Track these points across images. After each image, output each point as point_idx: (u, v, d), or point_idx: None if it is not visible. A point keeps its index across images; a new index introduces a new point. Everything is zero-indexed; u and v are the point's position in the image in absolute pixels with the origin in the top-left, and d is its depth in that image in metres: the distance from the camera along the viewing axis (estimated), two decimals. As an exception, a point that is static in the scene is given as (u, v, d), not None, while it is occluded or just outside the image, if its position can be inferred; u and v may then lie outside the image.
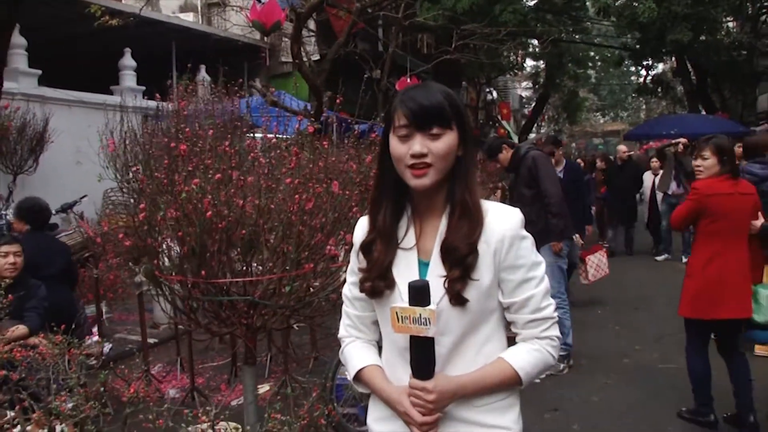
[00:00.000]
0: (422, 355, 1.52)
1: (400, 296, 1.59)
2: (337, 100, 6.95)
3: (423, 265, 1.62)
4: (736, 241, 4.06)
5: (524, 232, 1.62)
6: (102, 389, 2.35)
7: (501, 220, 1.59)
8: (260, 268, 2.46)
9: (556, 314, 1.65)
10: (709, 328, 4.22)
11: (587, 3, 18.93)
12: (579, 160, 13.76)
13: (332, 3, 8.85)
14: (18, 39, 9.60)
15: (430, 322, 1.46)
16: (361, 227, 1.73)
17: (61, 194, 9.49)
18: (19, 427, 2.40)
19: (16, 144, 8.59)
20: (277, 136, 5.68)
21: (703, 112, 18.89)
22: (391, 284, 1.62)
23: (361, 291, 1.67)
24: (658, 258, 11.21)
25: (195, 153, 2.51)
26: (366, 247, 1.67)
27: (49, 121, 9.02)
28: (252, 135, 6.68)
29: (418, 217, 1.66)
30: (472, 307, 1.57)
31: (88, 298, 5.90)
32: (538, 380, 1.74)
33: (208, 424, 2.43)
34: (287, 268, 2.33)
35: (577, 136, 38.90)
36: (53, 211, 9.34)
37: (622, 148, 12.65)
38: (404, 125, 1.55)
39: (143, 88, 11.78)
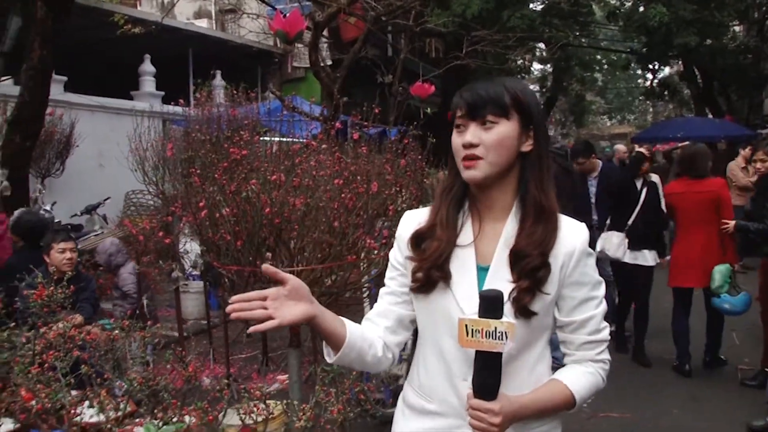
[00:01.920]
0: (489, 373, 1.39)
1: (457, 304, 1.50)
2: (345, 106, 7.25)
3: (481, 270, 1.53)
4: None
5: (590, 249, 1.56)
6: (167, 365, 2.63)
7: (571, 233, 1.52)
8: (306, 258, 2.74)
9: (609, 338, 1.60)
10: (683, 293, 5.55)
11: (594, 7, 19.19)
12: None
13: (348, 11, 9.14)
14: (44, 47, 9.93)
15: (506, 337, 1.34)
16: (409, 220, 1.66)
17: (84, 196, 9.82)
18: (87, 403, 2.66)
19: (45, 148, 8.90)
20: (294, 140, 5.96)
21: (710, 116, 19.09)
22: (447, 277, 1.52)
23: (413, 282, 1.56)
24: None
25: (249, 157, 2.78)
26: (419, 237, 1.58)
27: (75, 126, 9.32)
28: (268, 138, 6.99)
29: (477, 216, 1.57)
30: (535, 322, 1.49)
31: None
32: (584, 406, 1.61)
33: (260, 399, 2.72)
34: (331, 259, 2.62)
35: (584, 139, 39.11)
36: (78, 213, 9.69)
37: (620, 147, 11.59)
38: (460, 116, 1.51)
39: (162, 93, 12.09)
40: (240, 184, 2.53)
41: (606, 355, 1.58)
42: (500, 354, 1.37)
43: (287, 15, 7.03)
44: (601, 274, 4.87)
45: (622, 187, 5.96)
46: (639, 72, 31.47)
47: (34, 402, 2.26)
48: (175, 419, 2.43)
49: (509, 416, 1.41)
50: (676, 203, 5.55)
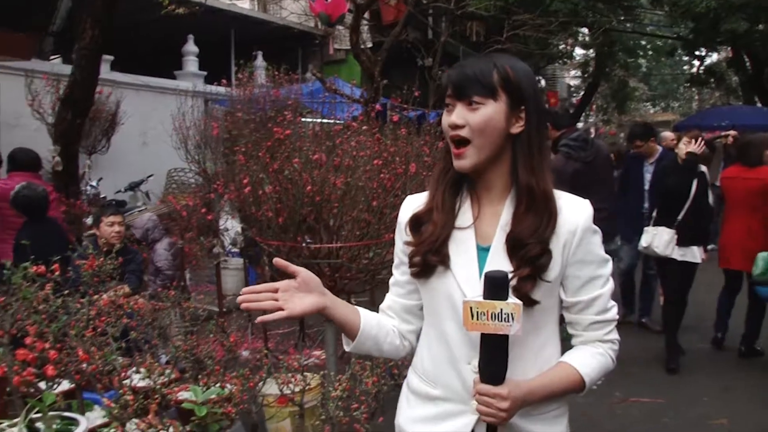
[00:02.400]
0: (496, 357, 1.37)
1: (458, 286, 1.47)
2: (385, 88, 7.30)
3: (482, 251, 1.49)
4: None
5: (595, 226, 1.50)
6: (211, 334, 2.76)
7: (572, 211, 1.47)
8: (345, 236, 2.83)
9: (618, 317, 1.56)
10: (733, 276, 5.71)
11: (640, -9, 18.80)
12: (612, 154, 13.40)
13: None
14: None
15: (512, 318, 1.31)
16: (409, 205, 1.63)
17: (128, 173, 10.09)
18: (134, 368, 2.79)
19: (91, 126, 9.14)
20: (335, 121, 6.04)
21: (759, 104, 18.62)
22: (446, 260, 1.48)
23: (411, 267, 1.53)
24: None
25: (291, 137, 2.88)
26: (417, 220, 1.55)
27: (120, 105, 9.55)
28: (309, 120, 7.09)
29: (476, 197, 1.53)
30: (538, 307, 1.45)
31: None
32: (594, 387, 1.55)
33: (298, 370, 2.83)
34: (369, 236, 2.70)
35: (626, 126, 38.43)
36: (122, 189, 9.97)
37: (668, 135, 11.30)
38: (448, 95, 1.45)
39: (205, 73, 12.28)
40: (283, 162, 2.62)
41: (615, 335, 1.54)
42: (506, 337, 1.34)
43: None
44: (645, 271, 4.56)
45: (675, 187, 5.52)
46: (685, 58, 30.75)
47: (86, 364, 2.39)
48: (217, 385, 2.55)
49: (517, 401, 1.38)
50: (727, 188, 5.72)
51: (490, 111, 1.42)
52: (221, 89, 9.68)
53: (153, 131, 10.63)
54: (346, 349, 1.60)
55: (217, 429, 2.02)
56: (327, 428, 2.41)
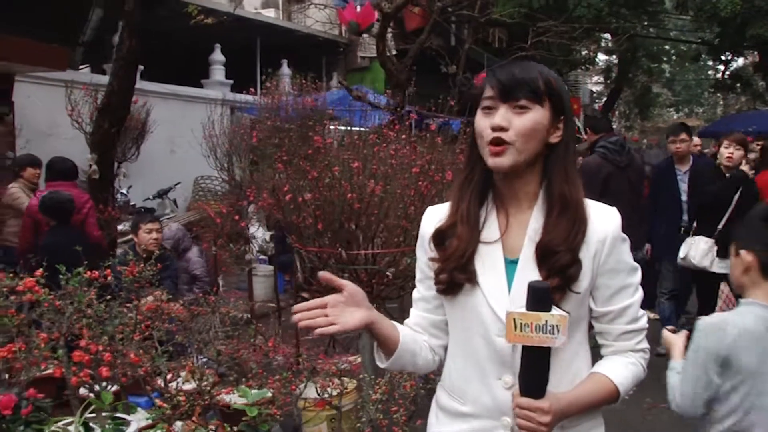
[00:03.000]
0: (538, 370, 1.34)
1: (486, 301, 1.45)
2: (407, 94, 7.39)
3: (510, 263, 1.47)
4: None
5: (624, 234, 1.48)
6: (252, 339, 2.83)
7: (602, 220, 1.46)
8: (383, 242, 2.89)
9: (647, 326, 1.54)
10: None
11: (664, -3, 18.75)
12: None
13: (415, 2, 9.25)
14: (123, 37, 10.36)
15: (558, 330, 1.28)
16: (430, 217, 1.59)
17: (156, 181, 10.25)
18: (176, 372, 2.85)
19: (122, 134, 9.29)
20: (362, 129, 6.11)
21: (785, 109, 18.45)
22: (472, 278, 1.46)
23: (436, 284, 1.52)
24: None
25: (329, 145, 2.95)
26: (440, 235, 1.52)
27: (149, 113, 9.71)
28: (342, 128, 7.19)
29: (502, 207, 1.51)
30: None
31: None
32: (626, 397, 1.52)
33: (336, 374, 2.89)
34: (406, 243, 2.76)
35: (649, 132, 38.15)
36: (150, 197, 10.12)
37: (695, 139, 10.99)
38: (489, 96, 1.42)
39: (231, 81, 12.44)
40: (323, 170, 2.69)
41: (645, 344, 1.52)
42: (549, 349, 1.31)
43: (358, 6, 7.23)
44: (681, 284, 4.31)
45: (715, 195, 5.16)
46: (709, 63, 30.51)
47: (132, 367, 2.46)
48: (260, 388, 2.61)
49: (557, 415, 1.36)
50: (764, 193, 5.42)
51: (538, 116, 1.40)
52: (249, 97, 9.81)
53: (180, 139, 10.79)
54: (382, 365, 1.56)
55: (266, 429, 2.08)
56: (368, 430, 2.46)
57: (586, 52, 23.81)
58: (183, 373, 2.86)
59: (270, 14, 15.31)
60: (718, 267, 4.96)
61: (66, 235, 4.49)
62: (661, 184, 5.77)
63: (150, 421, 2.49)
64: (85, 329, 2.22)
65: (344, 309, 1.39)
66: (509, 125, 1.39)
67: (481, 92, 1.45)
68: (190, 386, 2.67)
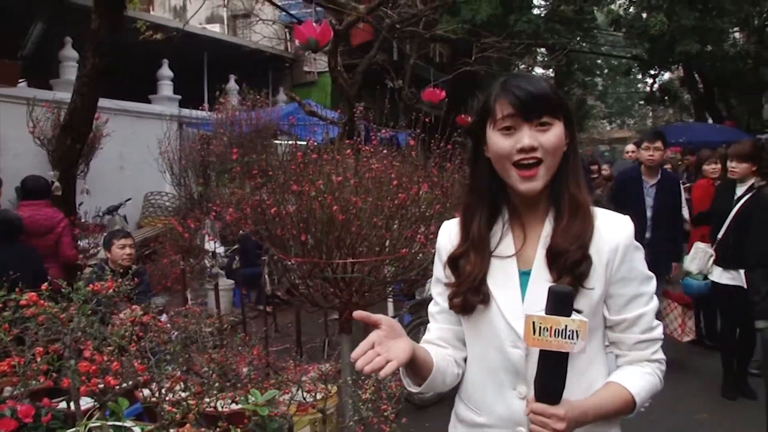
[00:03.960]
0: (555, 375, 1.32)
1: (500, 313, 1.45)
2: (361, 109, 7.59)
3: (523, 275, 1.47)
4: None
5: (637, 243, 1.48)
6: (239, 348, 2.94)
7: (614, 228, 1.45)
8: (365, 251, 3.05)
9: (663, 336, 1.52)
10: None
11: (597, 14, 19.58)
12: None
13: (367, 20, 9.45)
14: (70, 52, 10.26)
15: (577, 336, 1.26)
16: (446, 233, 1.60)
17: (106, 197, 10.12)
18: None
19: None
20: (304, 142, 6.23)
21: (710, 121, 19.45)
22: (486, 299, 1.46)
23: (451, 308, 1.52)
24: None
25: (312, 160, 3.09)
26: (455, 260, 1.53)
27: (99, 129, 9.61)
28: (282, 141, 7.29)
29: (519, 223, 1.51)
30: None
31: (156, 290, 6.48)
32: (642, 409, 1.48)
33: (321, 379, 3.03)
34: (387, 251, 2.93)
35: (584, 143, 39.48)
36: (100, 213, 9.99)
37: (629, 147, 10.15)
38: (509, 115, 1.39)
39: (179, 97, 12.39)
40: (308, 185, 2.84)
41: (661, 355, 1.50)
42: (567, 355, 1.29)
43: (304, 21, 7.36)
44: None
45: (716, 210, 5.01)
46: (639, 77, 31.87)
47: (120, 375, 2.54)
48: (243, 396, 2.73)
49: (572, 422, 1.33)
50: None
51: (559, 131, 1.41)
52: (201, 113, 9.81)
53: (130, 155, 10.70)
54: (415, 390, 1.53)
55: (275, 427, 2.20)
56: (359, 428, 2.60)
57: (524, 66, 24.60)
58: (167, 384, 2.94)
59: (215, 29, 15.31)
60: (727, 278, 4.76)
61: (12, 254, 4.41)
62: (626, 195, 5.23)
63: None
64: (89, 341, 2.30)
65: (389, 343, 1.36)
66: (537, 144, 1.38)
67: (486, 108, 1.44)
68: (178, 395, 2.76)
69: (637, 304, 1.47)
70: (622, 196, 5.21)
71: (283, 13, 12.96)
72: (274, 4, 11.52)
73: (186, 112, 11.50)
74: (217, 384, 3.01)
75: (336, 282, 3.08)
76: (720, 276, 4.82)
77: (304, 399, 3.02)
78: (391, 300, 5.72)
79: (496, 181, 1.47)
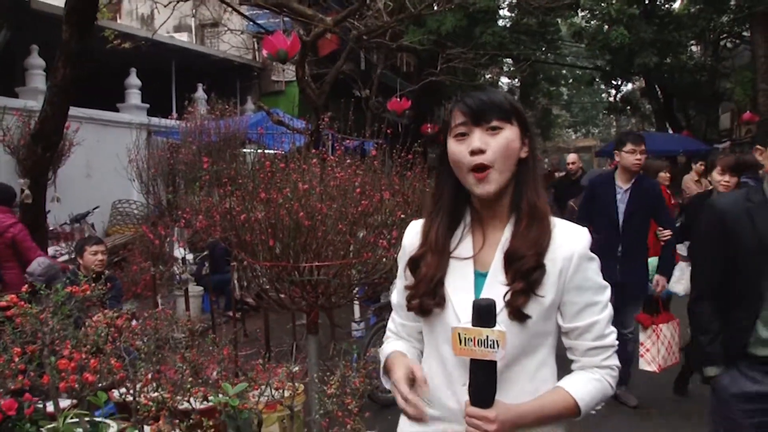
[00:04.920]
0: (484, 381, 1.40)
1: (454, 312, 1.50)
2: (326, 120, 7.79)
3: (479, 276, 1.52)
4: None
5: (592, 253, 1.52)
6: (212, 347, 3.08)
7: (569, 237, 1.50)
8: (330, 255, 3.21)
9: (616, 343, 1.56)
10: None
11: (561, 26, 20.07)
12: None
13: (334, 31, 9.62)
14: (36, 60, 10.24)
15: (497, 345, 1.34)
16: (412, 233, 1.65)
17: (73, 205, 10.11)
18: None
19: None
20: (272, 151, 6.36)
21: (670, 131, 20.03)
22: (441, 302, 1.52)
23: (409, 310, 1.58)
24: None
25: (279, 169, 3.25)
26: (414, 263, 1.58)
27: (67, 137, 9.60)
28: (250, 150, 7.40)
29: (480, 227, 1.56)
30: (531, 327, 1.47)
31: (127, 297, 6.55)
32: (592, 412, 1.56)
33: (288, 378, 3.18)
34: (351, 255, 3.10)
35: (550, 151, 40.17)
36: (67, 221, 9.98)
37: (571, 156, 9.55)
38: (461, 122, 1.47)
39: (147, 105, 12.41)
40: (275, 193, 3.00)
41: (613, 361, 1.54)
42: (494, 362, 1.36)
43: (273, 32, 7.50)
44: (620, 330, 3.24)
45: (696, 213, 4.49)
46: (603, 87, 32.60)
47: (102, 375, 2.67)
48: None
49: (506, 424, 1.40)
50: None
51: (510, 134, 1.47)
52: (169, 122, 9.87)
53: (97, 163, 10.71)
54: (388, 386, 1.63)
55: (246, 417, 2.35)
56: (325, 422, 2.76)
57: (489, 76, 25.03)
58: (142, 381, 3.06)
59: (183, 38, 15.36)
60: None
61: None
62: (597, 202, 4.79)
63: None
64: (68, 341, 2.42)
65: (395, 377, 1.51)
66: (487, 147, 1.44)
67: (447, 123, 1.52)
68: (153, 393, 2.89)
69: (591, 312, 1.51)
70: (593, 204, 4.79)
71: (251, 23, 13.09)
72: (241, 14, 11.64)
73: (155, 120, 11.54)
74: (190, 380, 3.15)
75: (303, 285, 3.24)
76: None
77: (273, 396, 3.17)
78: (357, 303, 5.91)
79: (459, 188, 1.53)
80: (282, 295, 3.37)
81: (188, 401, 2.71)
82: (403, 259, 1.65)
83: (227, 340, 3.46)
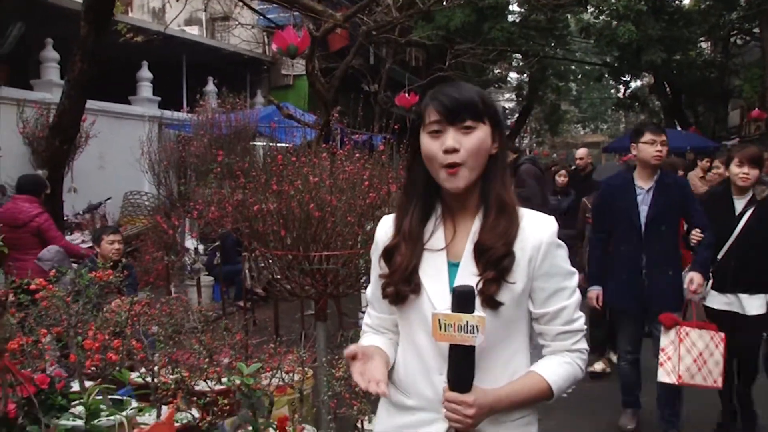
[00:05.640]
0: (463, 366, 1.45)
1: (429, 300, 1.55)
2: (336, 115, 7.93)
3: (452, 266, 1.57)
4: None
5: (559, 241, 1.58)
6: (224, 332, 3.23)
7: (537, 227, 1.56)
8: (339, 245, 3.36)
9: (585, 327, 1.62)
10: None
11: (570, 21, 20.10)
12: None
13: (344, 26, 9.73)
14: (51, 53, 10.40)
15: (477, 330, 1.39)
16: (385, 227, 1.69)
17: (87, 196, 10.29)
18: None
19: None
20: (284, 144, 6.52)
21: (678, 128, 20.05)
22: (416, 288, 1.56)
23: (384, 297, 1.62)
24: None
25: (291, 162, 3.40)
26: (389, 253, 1.62)
27: (87, 131, 9.75)
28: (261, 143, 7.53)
29: (450, 218, 1.61)
30: (504, 313, 1.52)
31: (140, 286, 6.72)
32: (564, 395, 1.63)
33: (298, 362, 3.33)
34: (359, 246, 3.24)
35: (558, 147, 40.17)
36: (80, 212, 10.15)
37: (580, 151, 9.38)
38: (436, 120, 1.51)
39: (159, 98, 12.56)
40: (287, 185, 3.14)
41: (582, 345, 1.61)
42: (473, 347, 1.41)
43: (284, 27, 7.61)
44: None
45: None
46: (612, 83, 32.54)
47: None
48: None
49: (484, 408, 1.46)
50: None
51: (482, 134, 1.52)
52: (181, 115, 10.00)
53: (110, 155, 10.87)
54: None
55: (259, 395, 2.50)
56: (333, 402, 2.91)
57: (498, 71, 25.07)
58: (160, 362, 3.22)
59: (194, 32, 15.50)
60: (720, 303, 3.95)
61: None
62: (614, 208, 4.14)
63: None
64: (91, 323, 2.58)
65: (367, 367, 1.54)
66: (460, 146, 1.49)
67: (420, 115, 1.57)
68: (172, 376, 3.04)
69: (559, 297, 1.57)
70: (610, 210, 4.16)
71: (262, 17, 13.22)
72: (252, 8, 11.78)
73: (167, 113, 11.69)
74: (207, 360, 3.31)
75: (312, 273, 3.39)
76: (713, 300, 3.98)
77: (283, 380, 3.32)
78: (363, 292, 6.06)
79: (430, 180, 1.57)
80: (293, 284, 3.51)
81: (205, 381, 2.86)
82: (376, 252, 1.69)
83: (239, 327, 3.61)
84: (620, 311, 4.29)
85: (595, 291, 4.16)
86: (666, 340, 3.82)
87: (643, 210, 4.00)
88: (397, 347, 1.70)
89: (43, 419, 2.03)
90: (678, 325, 3.78)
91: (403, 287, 1.56)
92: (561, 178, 7.28)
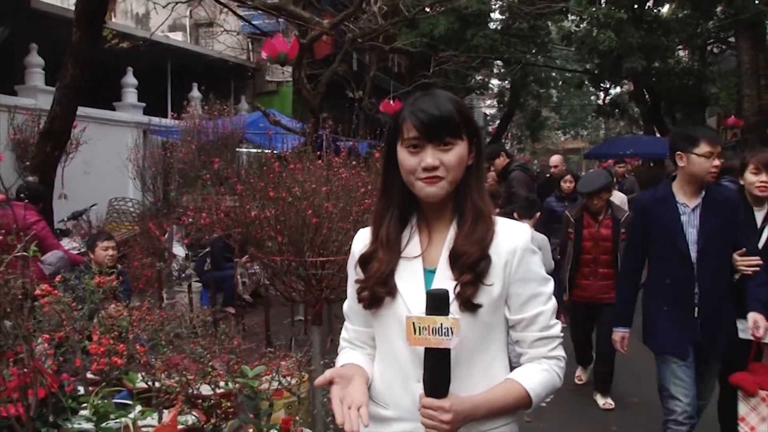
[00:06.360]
0: (438, 371, 1.42)
1: (405, 305, 1.54)
2: (330, 123, 8.03)
3: (428, 273, 1.57)
4: None
5: (534, 247, 1.59)
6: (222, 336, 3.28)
7: (512, 233, 1.57)
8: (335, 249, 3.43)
9: (562, 334, 1.61)
10: None
11: (551, 29, 20.35)
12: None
13: (331, 34, 9.81)
14: (36, 59, 10.36)
15: (452, 333, 1.37)
16: (361, 239, 1.69)
17: (71, 202, 10.24)
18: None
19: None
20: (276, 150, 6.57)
21: (657, 134, 20.35)
22: (392, 291, 1.56)
23: (360, 302, 1.61)
24: None
25: (286, 169, 3.46)
26: (365, 259, 1.61)
27: (75, 136, 9.71)
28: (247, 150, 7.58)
29: (426, 227, 1.62)
30: (482, 317, 1.52)
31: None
32: (543, 404, 1.62)
33: (297, 366, 3.39)
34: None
35: (539, 153, 40.48)
36: (65, 219, 10.10)
37: (554, 159, 9.51)
38: (414, 137, 1.51)
39: (144, 104, 12.53)
40: (283, 191, 3.20)
41: (559, 352, 1.60)
42: (448, 351, 1.39)
43: (273, 35, 7.67)
44: None
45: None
46: (592, 90, 32.89)
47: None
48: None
49: (461, 414, 1.43)
50: None
51: (461, 150, 1.52)
52: (166, 121, 10.01)
53: (94, 161, 10.83)
54: None
55: (263, 397, 2.56)
56: (330, 405, 2.97)
57: (480, 77, 25.27)
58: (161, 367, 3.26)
59: (178, 38, 15.47)
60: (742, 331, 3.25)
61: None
62: (653, 230, 3.38)
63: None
64: (95, 327, 2.62)
65: (347, 391, 1.46)
66: (440, 163, 1.50)
67: (397, 125, 1.56)
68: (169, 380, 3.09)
69: (535, 303, 1.57)
70: (648, 233, 3.40)
71: (247, 23, 13.26)
72: (237, 15, 11.81)
73: (154, 120, 11.66)
74: (210, 363, 3.36)
75: (308, 278, 3.45)
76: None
77: (281, 384, 3.38)
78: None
79: (406, 189, 1.57)
80: (289, 289, 3.57)
81: (208, 384, 2.91)
82: (352, 263, 1.69)
83: (235, 332, 3.66)
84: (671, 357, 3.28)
85: (620, 333, 3.47)
86: (745, 407, 3.09)
87: (690, 233, 3.23)
88: (371, 364, 1.68)
89: (56, 422, 2.08)
90: (764, 389, 3.03)
91: (378, 289, 1.56)
92: (567, 184, 7.03)
